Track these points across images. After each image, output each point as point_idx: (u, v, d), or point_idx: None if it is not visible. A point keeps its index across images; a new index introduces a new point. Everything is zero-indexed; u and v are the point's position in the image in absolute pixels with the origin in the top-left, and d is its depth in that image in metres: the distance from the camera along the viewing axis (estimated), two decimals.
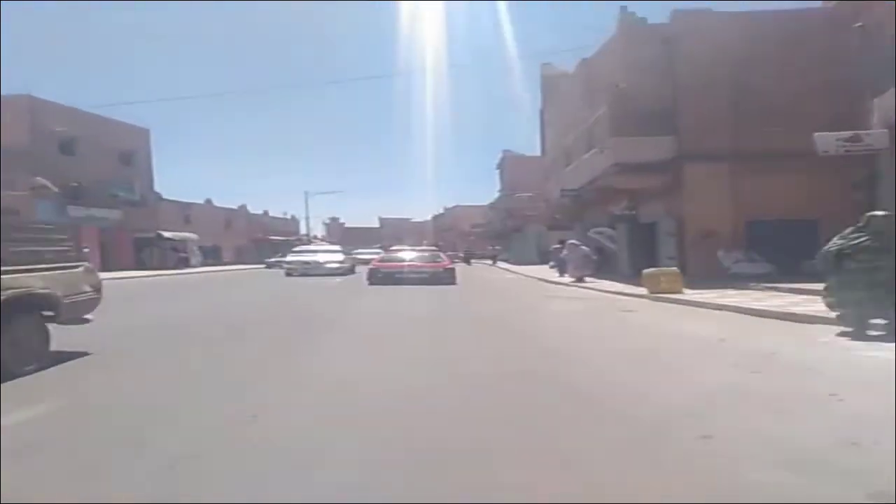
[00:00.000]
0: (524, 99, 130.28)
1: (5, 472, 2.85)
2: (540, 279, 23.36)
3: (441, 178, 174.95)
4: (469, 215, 75.58)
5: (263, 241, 56.00)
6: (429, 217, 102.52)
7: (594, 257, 19.79)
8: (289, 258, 28.42)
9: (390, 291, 17.39)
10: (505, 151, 50.31)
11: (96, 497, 2.69)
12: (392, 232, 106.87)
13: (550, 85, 32.81)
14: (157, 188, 41.49)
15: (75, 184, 32.85)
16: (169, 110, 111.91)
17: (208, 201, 49.82)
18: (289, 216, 66.51)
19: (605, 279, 18.51)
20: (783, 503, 2.60)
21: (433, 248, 30.56)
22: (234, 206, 55.34)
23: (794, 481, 2.80)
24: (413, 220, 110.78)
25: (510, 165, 49.11)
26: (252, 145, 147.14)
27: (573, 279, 19.15)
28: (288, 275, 25.79)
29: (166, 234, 38.61)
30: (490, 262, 47.52)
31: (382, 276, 19.01)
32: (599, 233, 21.63)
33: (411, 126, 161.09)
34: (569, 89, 27.04)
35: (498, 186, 54.20)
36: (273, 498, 2.75)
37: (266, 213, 62.03)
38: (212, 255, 47.38)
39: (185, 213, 45.15)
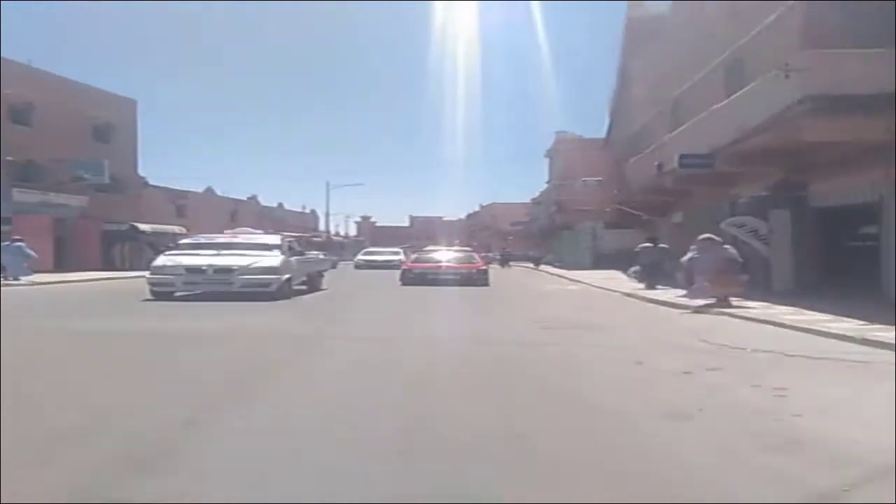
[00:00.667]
0: (557, 93, 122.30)
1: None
2: (627, 294, 15.68)
3: (475, 175, 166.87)
4: (508, 213, 67.87)
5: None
6: (462, 215, 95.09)
7: (739, 261, 11.84)
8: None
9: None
10: (559, 133, 42.59)
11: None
12: (423, 231, 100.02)
13: (640, 30, 25.04)
14: (146, 172, 35.14)
15: (23, 160, 26.39)
16: (173, 84, 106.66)
17: (209, 190, 43.39)
18: (307, 210, 59.85)
19: (757, 299, 10.87)
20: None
21: (466, 248, 28.50)
22: (243, 197, 48.82)
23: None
24: (445, 219, 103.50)
25: (564, 150, 41.20)
26: (272, 138, 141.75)
27: (706, 299, 11.23)
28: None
29: (142, 227, 31.91)
30: (532, 264, 39.74)
31: (414, 277, 19.03)
32: (740, 226, 13.55)
33: (444, 122, 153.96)
34: (682, 20, 19.24)
35: (546, 177, 46.55)
36: None
37: (281, 205, 55.36)
38: None
39: (179, 203, 38.62)
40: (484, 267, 20.64)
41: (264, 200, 52.64)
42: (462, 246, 33.35)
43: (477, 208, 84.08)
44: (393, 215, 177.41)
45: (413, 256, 22.38)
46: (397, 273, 20.82)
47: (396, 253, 35.70)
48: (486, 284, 18.79)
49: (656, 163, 17.92)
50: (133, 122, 34.94)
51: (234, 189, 53.64)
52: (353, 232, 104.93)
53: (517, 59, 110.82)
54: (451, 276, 18.82)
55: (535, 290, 19.83)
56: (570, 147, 41.03)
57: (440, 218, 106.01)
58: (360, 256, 37.75)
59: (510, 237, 57.38)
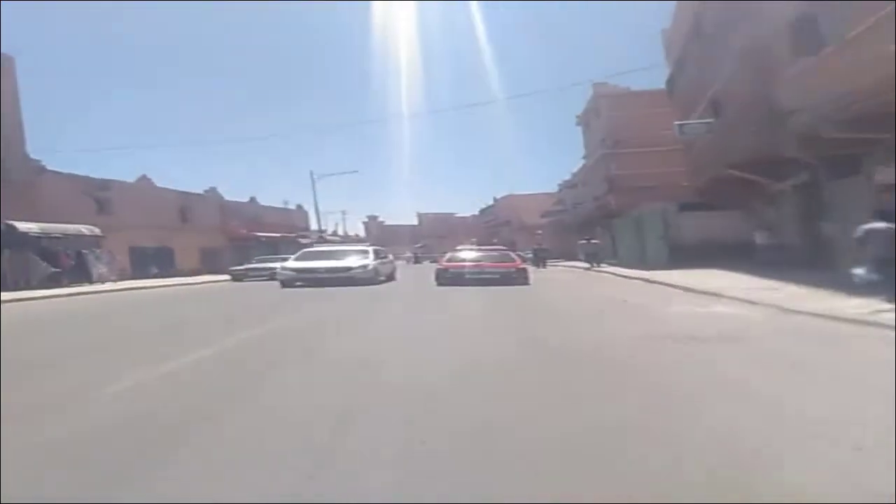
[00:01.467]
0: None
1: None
2: None
3: (486, 169, 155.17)
4: (529, 205, 57.55)
5: (249, 239, 39.32)
6: (476, 211, 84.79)
7: None
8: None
9: None
10: (597, 86, 31.98)
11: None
12: (433, 229, 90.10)
13: None
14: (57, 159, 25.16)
15: None
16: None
17: (144, 179, 33.41)
18: (293, 206, 49.76)
19: None
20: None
21: (500, 247, 27.29)
22: (198, 190, 38.76)
23: None
24: (458, 216, 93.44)
25: (609, 108, 30.69)
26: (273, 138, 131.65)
27: None
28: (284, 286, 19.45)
29: (24, 227, 21.97)
30: (587, 263, 29.12)
31: (451, 277, 18.34)
32: None
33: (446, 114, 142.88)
34: None
35: (581, 150, 36.11)
36: None
37: (253, 199, 45.16)
38: (157, 261, 30.82)
39: (99, 196, 28.63)
40: (522, 266, 19.47)
41: (232, 195, 42.63)
42: (480, 244, 30.85)
43: (491, 202, 73.73)
44: (400, 214, 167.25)
45: (448, 256, 21.31)
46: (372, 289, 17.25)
47: (363, 255, 20.60)
48: (527, 283, 17.81)
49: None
50: (11, 88, 25.03)
51: (235, 191, 45.17)
52: (357, 232, 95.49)
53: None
54: (489, 276, 18.17)
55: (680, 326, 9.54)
56: (617, 103, 30.52)
57: (452, 215, 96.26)
58: (290, 263, 20.53)
59: (539, 231, 46.95)
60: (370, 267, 19.70)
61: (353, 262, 19.81)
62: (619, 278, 20.31)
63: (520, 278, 17.97)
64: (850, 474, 2.61)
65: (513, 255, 21.31)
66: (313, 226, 50.00)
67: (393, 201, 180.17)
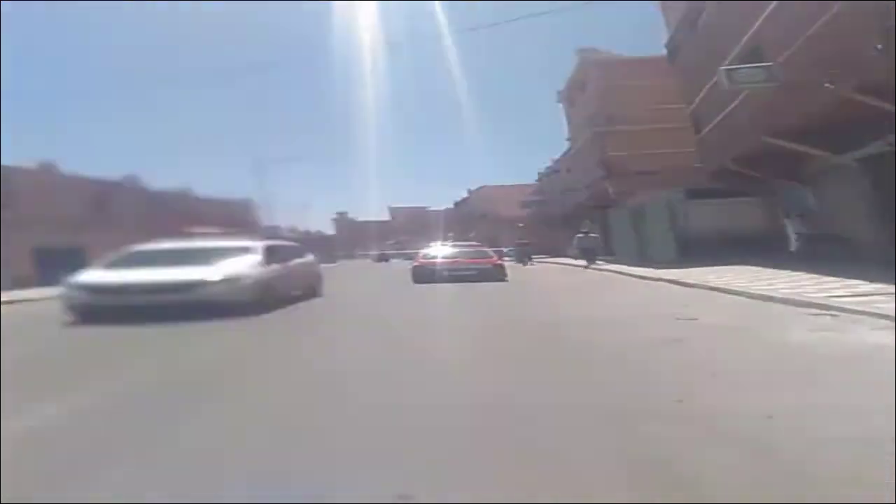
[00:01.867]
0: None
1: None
2: None
3: (457, 160, 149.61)
4: (507, 196, 53.19)
5: (182, 235, 34.08)
6: (451, 204, 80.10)
7: None
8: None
9: None
10: (583, 53, 27.15)
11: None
12: (406, 224, 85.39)
13: None
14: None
15: None
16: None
17: (47, 166, 27.98)
18: (236, 197, 44.41)
19: None
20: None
21: (475, 243, 26.01)
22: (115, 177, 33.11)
23: None
24: (431, 209, 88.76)
25: (599, 78, 25.86)
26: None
27: None
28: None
29: None
30: (585, 261, 24.60)
31: (428, 274, 17.98)
32: None
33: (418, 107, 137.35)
34: None
35: (565, 132, 31.60)
36: None
37: (188, 189, 39.60)
38: (67, 265, 25.43)
39: None
40: (499, 262, 19.01)
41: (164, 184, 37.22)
42: (457, 239, 29.23)
43: (465, 194, 69.06)
44: (372, 210, 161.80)
45: (423, 253, 20.62)
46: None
47: (239, 256, 10.74)
48: (504, 279, 17.45)
49: None
50: None
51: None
52: (327, 229, 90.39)
53: None
54: (466, 273, 17.60)
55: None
56: (608, 72, 25.99)
57: (425, 209, 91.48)
58: (86, 276, 10.02)
59: (521, 224, 42.55)
60: (245, 279, 9.91)
61: (209, 272, 9.74)
62: (633, 280, 15.89)
63: (497, 274, 17.77)
64: None
65: (489, 251, 20.82)
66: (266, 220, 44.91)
67: (364, 196, 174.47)
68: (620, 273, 18.32)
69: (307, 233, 58.87)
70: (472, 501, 2.31)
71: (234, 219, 41.74)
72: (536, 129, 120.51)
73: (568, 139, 31.16)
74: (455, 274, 17.35)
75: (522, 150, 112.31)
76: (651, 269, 17.21)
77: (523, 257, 31.20)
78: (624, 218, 27.06)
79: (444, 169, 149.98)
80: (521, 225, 42.58)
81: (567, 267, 25.96)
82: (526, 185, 47.41)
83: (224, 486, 2.54)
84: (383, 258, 56.36)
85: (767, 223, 21.63)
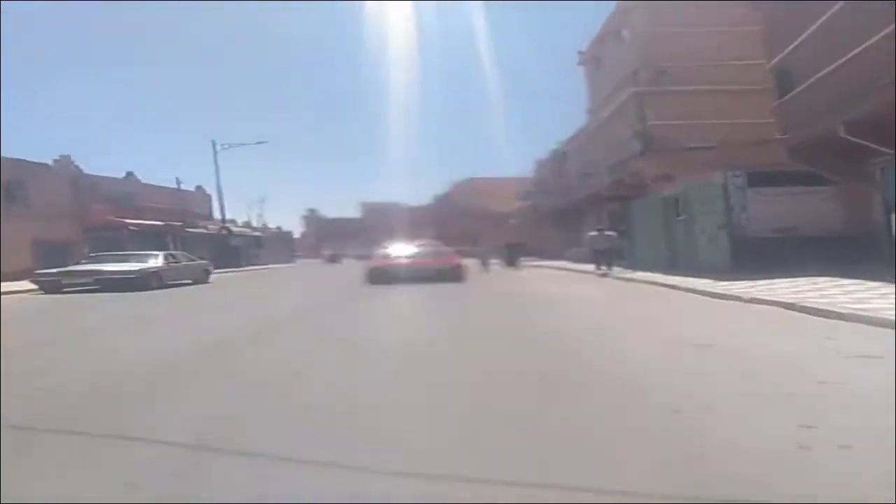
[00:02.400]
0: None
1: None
2: None
3: (437, 153, 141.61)
4: (496, 190, 47.41)
5: (119, 227, 27.85)
6: (430, 199, 74.09)
7: None
8: None
9: None
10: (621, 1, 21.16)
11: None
12: (380, 221, 79.27)
13: None
14: None
15: None
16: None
17: None
18: (192, 187, 37.91)
19: None
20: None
21: (434, 241, 23.15)
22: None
23: None
24: (407, 206, 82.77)
25: (644, 21, 19.49)
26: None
27: None
28: None
29: None
30: (599, 266, 18.91)
31: (383, 275, 17.23)
32: None
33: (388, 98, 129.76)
34: None
35: (584, 103, 25.49)
36: None
37: (131, 175, 32.85)
38: None
39: None
40: (458, 262, 18.36)
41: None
42: (435, 238, 26.77)
43: (447, 188, 63.05)
44: (342, 207, 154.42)
45: (380, 253, 19.35)
46: None
47: None
48: (461, 280, 16.92)
49: None
50: None
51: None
52: (293, 227, 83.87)
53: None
54: (423, 273, 17.03)
55: None
56: (656, 15, 19.84)
57: (398, 204, 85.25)
58: None
59: (512, 220, 36.90)
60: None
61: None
62: (692, 297, 10.25)
63: (456, 275, 17.36)
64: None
65: (448, 250, 20.19)
66: (217, 213, 38.60)
67: (336, 192, 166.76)
68: (656, 284, 12.85)
69: (264, 229, 52.15)
70: None
71: (186, 210, 35.52)
72: (535, 115, 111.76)
73: (588, 111, 25.25)
74: (412, 275, 16.83)
75: (517, 139, 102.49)
76: (707, 281, 11.85)
77: (514, 259, 25.87)
78: (653, 211, 21.43)
79: (425, 162, 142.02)
80: (511, 221, 36.89)
81: (572, 273, 20.40)
82: (521, 178, 41.69)
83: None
84: (334, 259, 50.28)
85: (857, 219, 16.37)
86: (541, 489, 2.32)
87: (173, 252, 20.47)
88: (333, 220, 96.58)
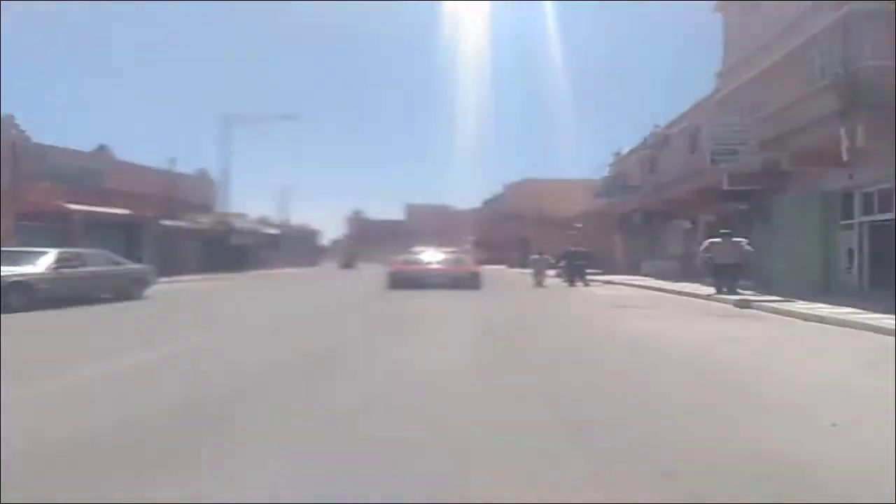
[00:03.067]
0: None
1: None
2: None
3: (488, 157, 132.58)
4: (556, 192, 40.17)
5: (68, 216, 21.70)
6: (479, 203, 67.09)
7: None
8: None
9: None
10: None
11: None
12: (424, 225, 73.24)
13: None
14: None
15: None
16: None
17: None
18: (191, 171, 31.77)
19: None
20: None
21: (454, 249, 23.28)
22: None
23: None
24: (455, 209, 76.26)
25: None
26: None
27: None
28: None
29: None
30: (719, 290, 11.90)
31: (403, 279, 17.78)
32: None
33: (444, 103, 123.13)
34: None
35: (718, 63, 17.43)
36: None
37: (103, 148, 26.24)
38: None
39: None
40: (476, 270, 18.67)
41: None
42: (479, 243, 27.78)
43: (501, 189, 55.91)
44: (388, 209, 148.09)
45: (402, 259, 20.03)
46: None
47: None
48: (477, 287, 17.13)
49: None
50: None
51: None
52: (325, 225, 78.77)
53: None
54: (440, 279, 17.77)
55: None
56: None
57: (447, 207, 78.66)
58: None
59: (578, 225, 29.71)
60: None
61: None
62: None
63: (471, 282, 17.35)
64: None
65: (466, 258, 20.75)
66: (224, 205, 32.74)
67: (383, 192, 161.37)
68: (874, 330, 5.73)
69: (283, 226, 45.98)
70: None
71: (176, 199, 28.85)
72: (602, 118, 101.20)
73: (717, 74, 17.81)
74: (429, 281, 17.55)
75: (580, 140, 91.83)
76: None
77: (574, 274, 18.93)
78: (805, 211, 13.97)
79: (475, 165, 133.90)
80: (578, 225, 29.61)
81: (672, 296, 13.43)
82: (584, 180, 34.04)
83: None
84: (348, 265, 44.05)
85: None
86: None
87: (78, 250, 13.69)
88: (377, 222, 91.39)
